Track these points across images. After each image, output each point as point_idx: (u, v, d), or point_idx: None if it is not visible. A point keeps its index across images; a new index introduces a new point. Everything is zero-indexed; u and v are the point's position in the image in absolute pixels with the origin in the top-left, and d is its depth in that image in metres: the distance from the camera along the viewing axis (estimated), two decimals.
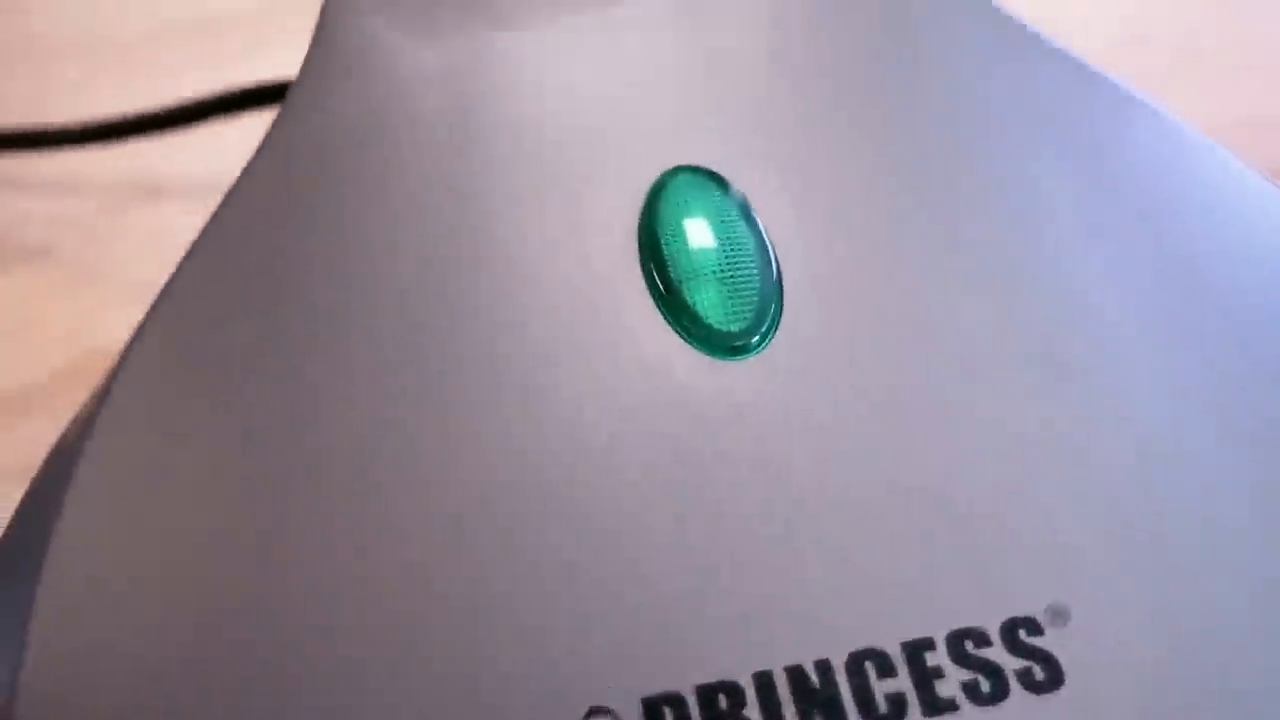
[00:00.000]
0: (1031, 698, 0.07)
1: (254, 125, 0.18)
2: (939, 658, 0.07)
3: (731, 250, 0.09)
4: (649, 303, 0.08)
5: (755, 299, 0.08)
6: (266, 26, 0.24)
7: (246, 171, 0.10)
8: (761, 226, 0.09)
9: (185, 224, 0.18)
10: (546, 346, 0.08)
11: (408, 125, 0.10)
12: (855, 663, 0.07)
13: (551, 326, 0.08)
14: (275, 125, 0.11)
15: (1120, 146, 0.09)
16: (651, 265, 0.09)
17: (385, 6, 0.11)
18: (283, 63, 0.18)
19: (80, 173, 0.19)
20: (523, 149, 0.09)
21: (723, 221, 0.09)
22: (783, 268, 0.09)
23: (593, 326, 0.08)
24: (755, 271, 0.08)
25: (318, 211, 0.10)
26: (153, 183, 0.19)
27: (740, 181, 0.09)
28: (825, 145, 0.09)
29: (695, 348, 0.08)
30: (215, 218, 0.10)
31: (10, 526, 0.09)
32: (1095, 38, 0.18)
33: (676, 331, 0.08)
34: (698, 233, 0.09)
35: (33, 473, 0.09)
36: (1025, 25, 0.10)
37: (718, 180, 0.09)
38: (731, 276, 0.08)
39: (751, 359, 0.08)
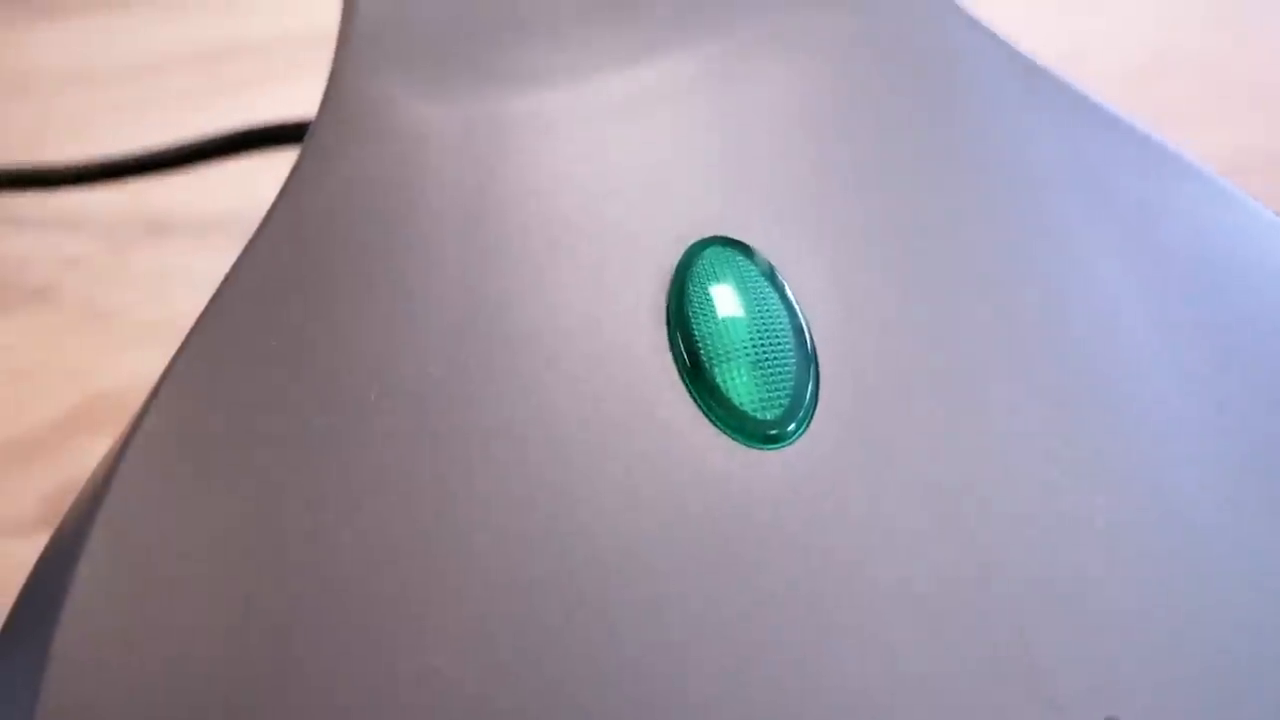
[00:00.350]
0: None
1: (259, 165, 0.18)
2: None
3: (765, 330, 0.08)
4: (679, 387, 0.08)
5: (790, 383, 0.08)
6: (271, 61, 0.24)
7: (259, 236, 0.10)
8: (795, 304, 0.08)
9: (190, 264, 0.18)
10: (572, 436, 0.08)
11: (423, 193, 0.10)
12: None
13: (578, 415, 0.08)
14: (286, 191, 0.10)
15: (1164, 209, 0.09)
16: (682, 346, 0.08)
17: (398, 64, 0.10)
18: (289, 98, 0.18)
19: (82, 212, 0.19)
20: (543, 220, 0.09)
21: (754, 299, 0.08)
22: (818, 349, 0.08)
23: (621, 416, 0.08)
24: (790, 353, 0.08)
25: (332, 288, 0.09)
26: (157, 221, 0.19)
27: (772, 254, 0.09)
28: (861, 216, 0.09)
29: (729, 435, 0.08)
30: (226, 286, 0.09)
31: (30, 581, 0.08)
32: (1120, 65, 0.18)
33: (709, 418, 0.08)
34: (729, 311, 0.08)
35: (35, 525, 0.09)
36: (1062, 79, 0.10)
37: (748, 253, 0.09)
38: (765, 359, 0.08)
39: (787, 449, 0.08)
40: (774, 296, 0.08)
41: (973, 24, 0.10)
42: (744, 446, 0.08)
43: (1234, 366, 0.08)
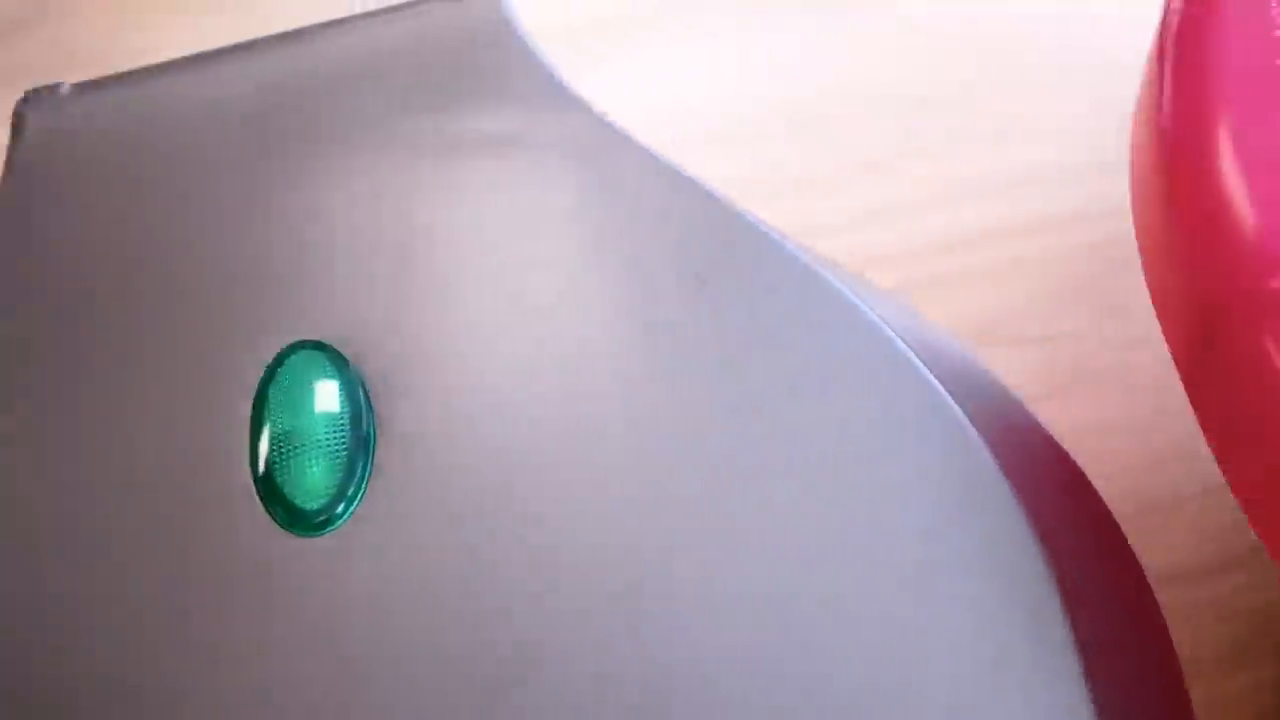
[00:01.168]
0: None
1: None
2: None
3: (321, 429, 0.09)
4: (249, 484, 0.09)
5: (339, 475, 0.09)
6: None
7: None
8: (367, 404, 0.10)
9: None
10: (146, 529, 0.09)
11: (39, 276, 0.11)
12: None
13: (155, 506, 0.09)
14: None
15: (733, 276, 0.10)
16: (255, 446, 0.10)
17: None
18: None
19: None
20: (147, 310, 0.10)
21: (323, 400, 0.10)
22: (378, 447, 0.10)
23: (194, 512, 0.09)
24: (343, 447, 0.09)
25: None
26: None
27: (360, 359, 0.10)
28: (458, 324, 0.10)
29: (283, 528, 0.09)
30: None
31: None
32: None
33: (269, 512, 0.09)
34: (293, 411, 0.10)
35: None
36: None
37: (333, 357, 0.10)
38: (318, 453, 0.09)
39: (328, 535, 0.09)
40: (344, 397, 0.10)
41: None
42: (291, 535, 0.09)
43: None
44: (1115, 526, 0.10)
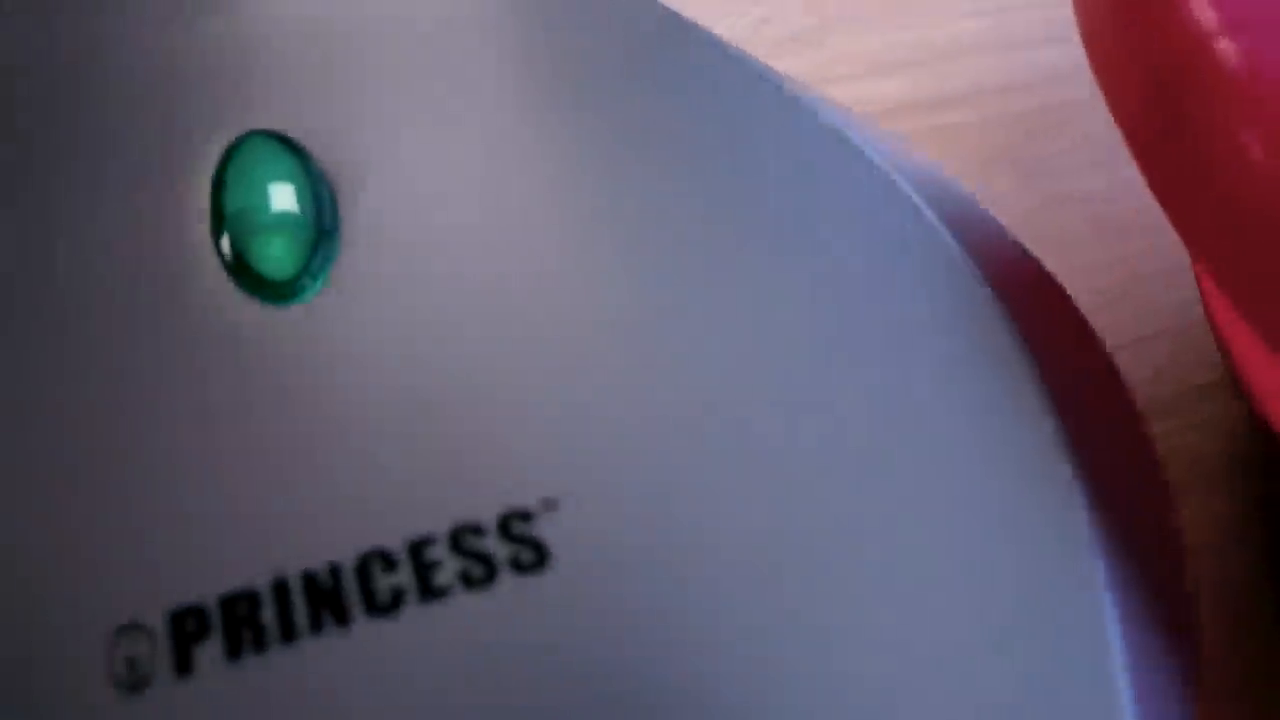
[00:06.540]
0: (517, 578, 0.08)
1: None
2: (439, 551, 0.08)
3: (286, 206, 0.09)
4: (214, 259, 0.09)
5: (307, 248, 0.09)
6: None
7: None
8: (328, 184, 0.10)
9: None
10: (115, 303, 0.09)
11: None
12: (363, 563, 0.08)
13: (124, 290, 0.09)
14: None
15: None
16: (220, 225, 0.09)
17: None
18: None
19: None
20: (103, 108, 0.10)
21: (283, 180, 0.09)
22: (343, 221, 0.09)
23: (163, 288, 0.09)
24: (308, 223, 0.09)
25: None
26: None
27: (316, 146, 0.10)
28: (412, 110, 0.10)
29: (252, 296, 0.09)
30: None
31: None
32: None
33: (238, 283, 0.09)
34: (255, 191, 0.09)
35: None
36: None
37: (288, 144, 0.10)
38: (283, 230, 0.09)
39: (302, 303, 0.09)
40: (303, 177, 0.09)
41: None
42: (264, 304, 0.09)
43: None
44: (1108, 357, 0.10)
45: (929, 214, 0.10)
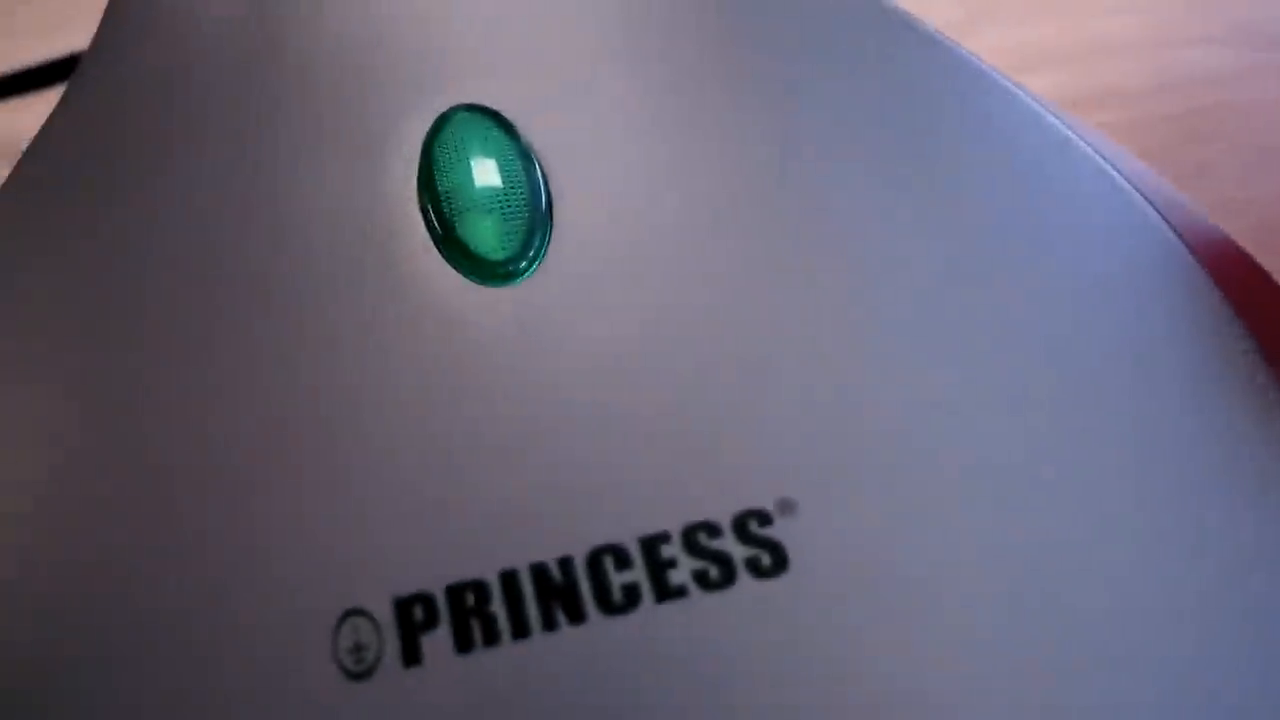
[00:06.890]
0: (757, 582, 0.07)
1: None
2: (673, 550, 0.07)
3: (500, 185, 0.09)
4: (424, 236, 0.09)
5: (523, 229, 0.09)
6: None
7: (40, 134, 0.10)
8: (539, 163, 0.09)
9: None
10: (324, 283, 0.09)
11: (196, 77, 0.10)
12: (595, 557, 0.07)
13: (331, 264, 0.09)
14: (67, 91, 0.11)
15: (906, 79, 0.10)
16: (428, 202, 0.09)
17: None
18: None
19: None
20: (306, 91, 0.10)
21: (496, 158, 0.09)
22: (555, 201, 0.09)
23: (371, 265, 0.09)
24: (524, 204, 0.09)
25: (109, 172, 0.10)
26: None
27: (525, 123, 0.09)
28: (617, 90, 0.10)
29: (467, 277, 0.09)
30: (10, 181, 0.10)
31: None
32: None
33: (449, 262, 0.09)
34: (468, 169, 0.09)
35: None
36: None
37: (499, 120, 0.09)
38: (499, 209, 0.09)
39: (518, 285, 0.09)
40: (516, 156, 0.09)
41: None
42: (479, 285, 0.09)
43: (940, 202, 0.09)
44: None
45: (1166, 231, 0.09)
